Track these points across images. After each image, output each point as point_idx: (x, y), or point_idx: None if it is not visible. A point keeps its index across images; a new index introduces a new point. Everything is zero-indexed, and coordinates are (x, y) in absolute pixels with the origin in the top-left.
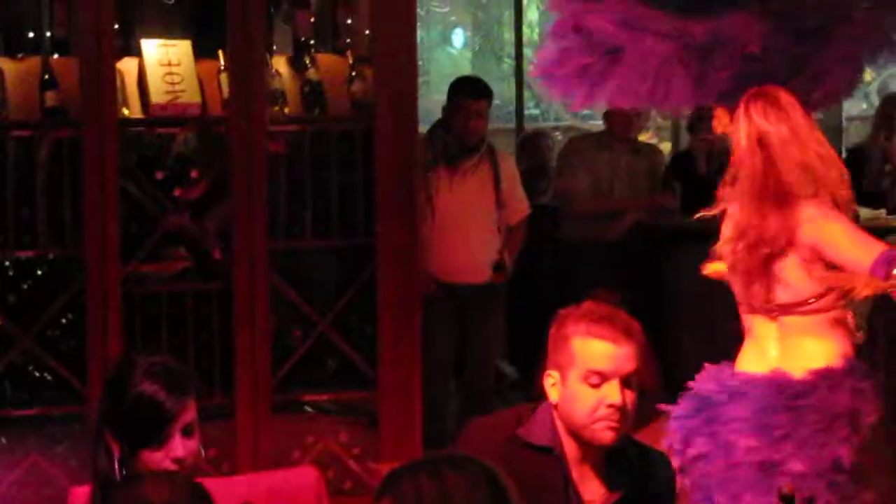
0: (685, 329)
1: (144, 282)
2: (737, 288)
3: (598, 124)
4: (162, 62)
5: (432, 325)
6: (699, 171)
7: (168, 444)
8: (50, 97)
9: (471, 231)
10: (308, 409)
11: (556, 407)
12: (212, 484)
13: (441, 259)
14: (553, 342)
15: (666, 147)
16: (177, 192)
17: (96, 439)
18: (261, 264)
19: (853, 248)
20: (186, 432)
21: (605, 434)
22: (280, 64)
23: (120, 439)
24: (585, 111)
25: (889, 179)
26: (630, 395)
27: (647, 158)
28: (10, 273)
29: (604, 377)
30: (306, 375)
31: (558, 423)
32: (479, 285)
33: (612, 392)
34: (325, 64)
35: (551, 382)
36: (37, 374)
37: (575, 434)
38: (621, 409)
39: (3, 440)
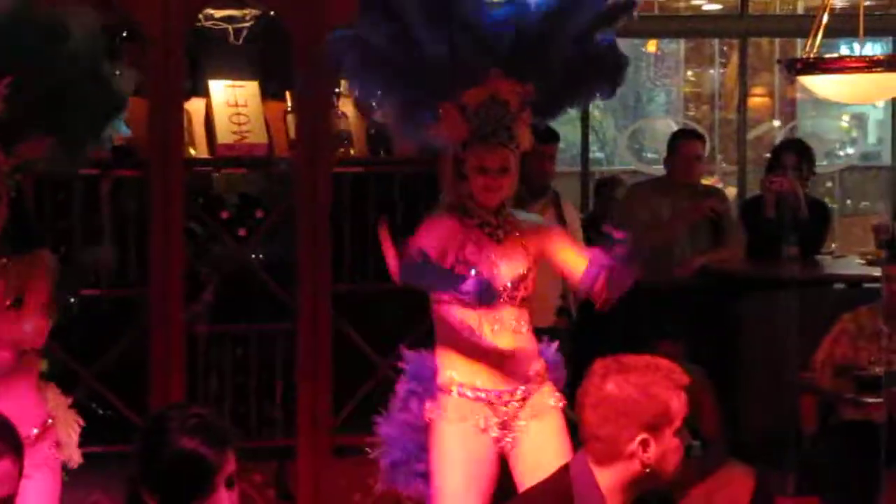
0: (750, 378)
1: (208, 321)
2: None
3: (663, 169)
4: (229, 103)
5: None
6: (766, 215)
7: (212, 499)
8: (119, 136)
9: (541, 276)
10: (369, 451)
11: (650, 467)
12: None
13: None
14: (640, 406)
15: (731, 192)
16: (241, 232)
17: (131, 499)
18: (324, 306)
19: None
20: (229, 484)
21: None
22: (346, 106)
23: (159, 497)
24: (652, 155)
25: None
26: None
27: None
28: (74, 311)
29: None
30: (368, 417)
31: (604, 487)
32: (542, 329)
33: (686, 434)
34: None
35: (643, 446)
36: (100, 412)
37: (631, 489)
38: None
39: (66, 477)
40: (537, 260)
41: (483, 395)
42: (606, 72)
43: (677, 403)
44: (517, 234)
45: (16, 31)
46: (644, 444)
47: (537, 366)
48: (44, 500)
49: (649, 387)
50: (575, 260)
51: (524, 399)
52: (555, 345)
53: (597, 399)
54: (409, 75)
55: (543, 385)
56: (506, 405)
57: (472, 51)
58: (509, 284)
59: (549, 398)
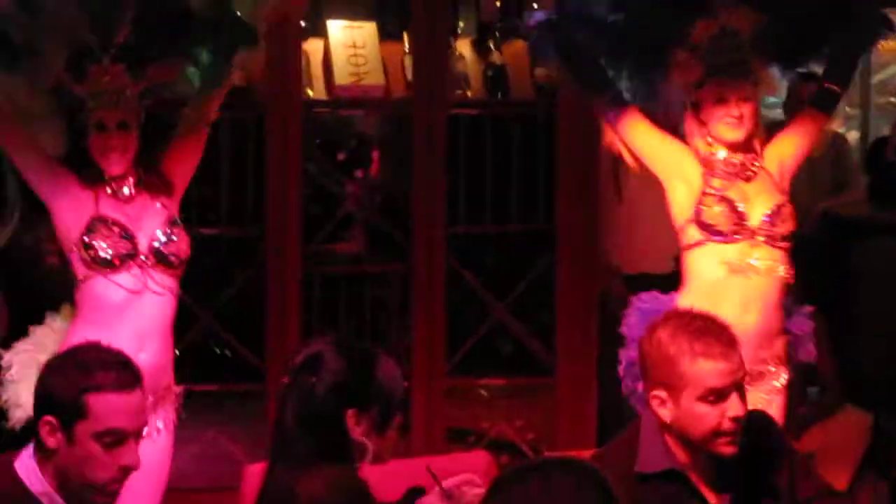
0: (870, 324)
1: (324, 262)
2: None
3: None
4: (347, 44)
5: (614, 318)
6: (888, 158)
7: (389, 429)
8: (237, 76)
9: (658, 219)
10: (483, 392)
11: (668, 425)
12: (385, 467)
13: (626, 247)
14: (655, 362)
15: (853, 136)
16: (358, 174)
17: (330, 420)
18: (439, 248)
19: None
20: None
21: (728, 448)
22: (464, 47)
23: (372, 416)
24: (773, 99)
25: None
26: (744, 400)
27: (830, 149)
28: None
29: (722, 393)
30: (482, 360)
31: (669, 441)
32: (659, 275)
33: (734, 406)
34: (510, 48)
35: (659, 402)
36: (217, 351)
37: (690, 445)
38: (742, 418)
39: (183, 415)
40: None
41: None
42: (856, 24)
43: (697, 371)
44: (765, 171)
45: None
46: (659, 401)
47: (778, 346)
48: (162, 458)
49: (666, 346)
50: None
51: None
52: (806, 309)
53: (640, 346)
54: (633, 29)
55: (780, 369)
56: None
57: None
58: (766, 219)
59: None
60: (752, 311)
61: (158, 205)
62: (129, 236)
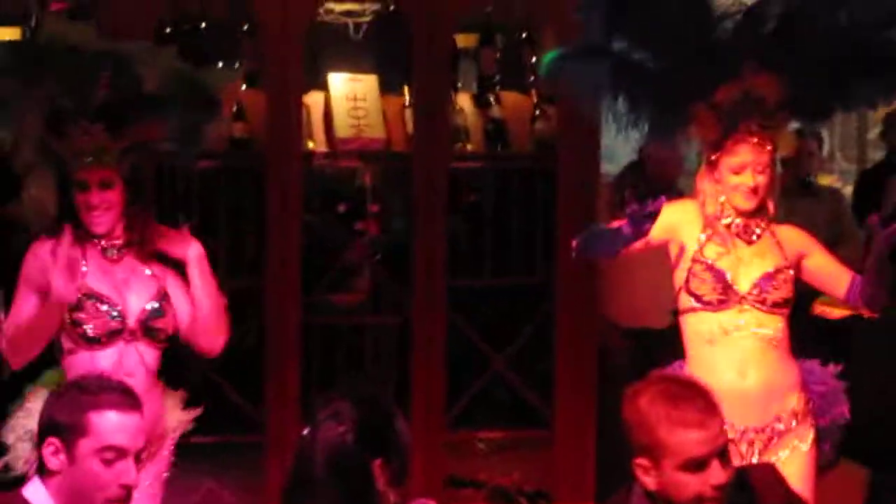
0: (866, 379)
1: (324, 313)
2: None
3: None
4: (348, 96)
5: (614, 372)
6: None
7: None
8: (238, 128)
9: (656, 274)
10: (481, 445)
11: (653, 493)
12: None
13: (625, 302)
14: (635, 429)
15: (849, 192)
16: (358, 226)
17: (359, 469)
18: (439, 301)
19: None
20: None
21: None
22: (464, 101)
23: (393, 467)
24: None
25: None
26: (729, 466)
27: (826, 204)
28: None
29: (702, 462)
30: (481, 412)
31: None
32: (659, 330)
33: (716, 473)
34: (509, 102)
35: (642, 470)
36: (215, 402)
37: None
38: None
39: (181, 467)
40: (795, 264)
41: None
42: (880, 72)
43: (675, 440)
44: (772, 235)
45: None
46: (643, 469)
47: (792, 403)
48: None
49: (646, 414)
50: (836, 273)
51: (770, 439)
52: (830, 369)
53: (623, 412)
54: (658, 79)
55: (803, 426)
56: (751, 445)
57: (728, 42)
58: (757, 285)
59: (802, 441)
60: (748, 374)
61: (148, 271)
62: (117, 313)
